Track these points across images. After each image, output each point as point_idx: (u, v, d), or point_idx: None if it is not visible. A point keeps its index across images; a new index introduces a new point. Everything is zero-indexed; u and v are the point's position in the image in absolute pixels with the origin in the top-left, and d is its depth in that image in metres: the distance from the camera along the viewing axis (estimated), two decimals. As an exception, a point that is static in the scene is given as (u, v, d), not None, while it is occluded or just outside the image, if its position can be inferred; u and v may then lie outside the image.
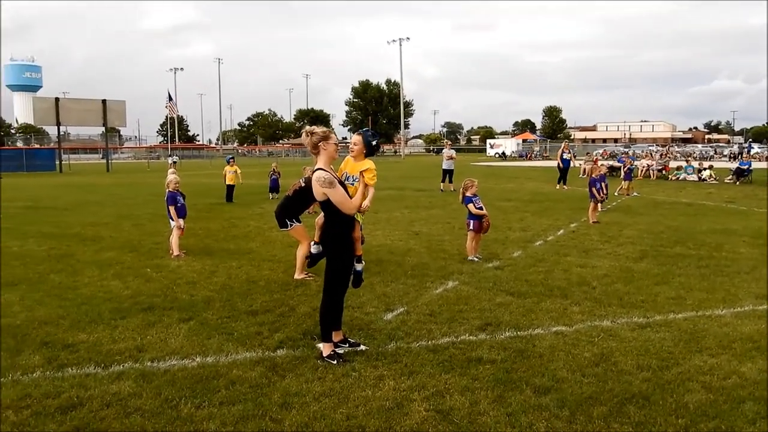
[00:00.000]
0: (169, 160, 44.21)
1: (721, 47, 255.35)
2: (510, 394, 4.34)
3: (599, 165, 16.13)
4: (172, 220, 9.65)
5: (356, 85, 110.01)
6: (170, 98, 59.62)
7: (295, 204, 7.92)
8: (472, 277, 7.99)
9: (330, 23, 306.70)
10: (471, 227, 9.12)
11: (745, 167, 27.29)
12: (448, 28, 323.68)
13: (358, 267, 5.47)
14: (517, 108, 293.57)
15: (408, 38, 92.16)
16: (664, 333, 5.71)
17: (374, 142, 5.84)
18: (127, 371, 4.75)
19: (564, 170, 23.55)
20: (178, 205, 9.71)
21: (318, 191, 4.90)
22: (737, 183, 26.02)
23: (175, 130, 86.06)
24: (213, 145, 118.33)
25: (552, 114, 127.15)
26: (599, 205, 13.71)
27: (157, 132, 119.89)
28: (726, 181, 26.71)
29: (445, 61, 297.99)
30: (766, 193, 20.03)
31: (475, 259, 9.00)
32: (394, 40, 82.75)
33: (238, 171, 19.52)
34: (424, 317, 6.20)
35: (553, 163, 27.95)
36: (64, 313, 6.35)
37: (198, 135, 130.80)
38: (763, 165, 37.91)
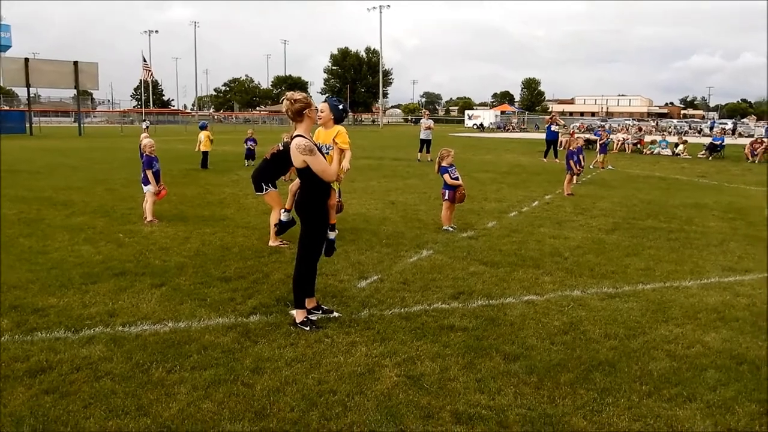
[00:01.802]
0: (143, 125, 43.43)
1: (707, 26, 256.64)
2: (480, 361, 4.41)
3: (576, 137, 16.15)
4: (147, 185, 9.51)
5: (335, 52, 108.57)
6: (145, 61, 58.31)
7: (272, 168, 7.85)
8: (447, 246, 8.04)
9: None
10: (446, 197, 9.14)
11: (718, 143, 27.68)
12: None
13: (331, 235, 5.45)
14: (499, 81, 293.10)
15: (388, 6, 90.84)
16: (633, 303, 5.82)
17: (340, 107, 5.78)
18: (98, 336, 4.72)
19: (550, 142, 23.22)
20: (154, 169, 9.56)
21: (297, 158, 4.82)
22: (710, 158, 26.41)
23: (150, 95, 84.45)
24: (188, 110, 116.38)
25: (531, 86, 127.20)
26: (575, 177, 13.83)
27: (131, 96, 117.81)
28: (699, 156, 27.08)
29: (428, 31, 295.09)
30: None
31: (450, 229, 9.04)
32: (374, 7, 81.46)
33: (212, 137, 19.19)
34: (397, 285, 6.23)
35: (531, 135, 28.02)
36: (33, 277, 6.26)
37: (173, 100, 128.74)
38: (736, 141, 38.48)
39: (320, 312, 5.28)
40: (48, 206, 10.83)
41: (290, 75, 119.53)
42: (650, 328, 5.18)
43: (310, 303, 5.22)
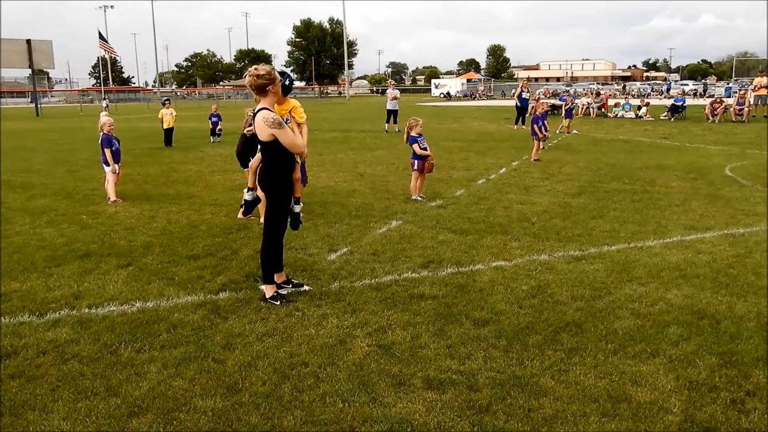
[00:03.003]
0: (103, 104, 42.34)
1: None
2: (450, 327, 4.47)
3: (541, 103, 16.20)
4: (107, 164, 9.31)
5: (298, 24, 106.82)
6: (101, 38, 56.52)
7: (255, 142, 7.71)
8: (416, 216, 8.07)
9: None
10: (415, 167, 9.13)
11: (680, 104, 28.10)
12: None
13: (297, 209, 5.42)
14: (464, 49, 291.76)
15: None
16: (598, 264, 5.93)
17: (286, 82, 5.70)
18: (64, 318, 4.65)
19: (522, 110, 22.96)
20: (113, 148, 9.36)
21: (265, 132, 4.70)
22: (672, 119, 26.83)
23: (108, 72, 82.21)
24: (149, 87, 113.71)
25: (496, 53, 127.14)
26: (541, 143, 13.89)
27: (89, 74, 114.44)
28: (661, 117, 27.48)
29: (392, 1, 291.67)
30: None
31: (419, 198, 9.07)
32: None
33: (174, 113, 18.82)
34: (367, 257, 6.25)
35: (497, 103, 28.04)
36: (-6, 262, 6.12)
37: (133, 77, 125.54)
38: (698, 102, 39.12)
39: (290, 286, 5.27)
40: (6, 189, 10.54)
41: (253, 48, 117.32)
42: (615, 288, 5.29)
43: (279, 278, 5.21)
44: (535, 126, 13.64)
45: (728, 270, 5.73)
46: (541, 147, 13.96)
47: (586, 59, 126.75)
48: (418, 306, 4.89)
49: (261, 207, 7.63)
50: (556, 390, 3.59)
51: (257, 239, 6.89)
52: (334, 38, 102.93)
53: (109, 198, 9.20)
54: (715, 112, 25.82)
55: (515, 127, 22.82)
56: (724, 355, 3.99)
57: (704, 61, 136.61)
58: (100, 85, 75.94)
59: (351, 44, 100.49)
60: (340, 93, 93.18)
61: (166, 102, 19.17)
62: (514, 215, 8.08)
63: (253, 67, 4.86)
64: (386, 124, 22.50)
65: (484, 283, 5.45)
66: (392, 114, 22.43)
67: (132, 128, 25.52)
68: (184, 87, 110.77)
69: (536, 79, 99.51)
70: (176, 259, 6.22)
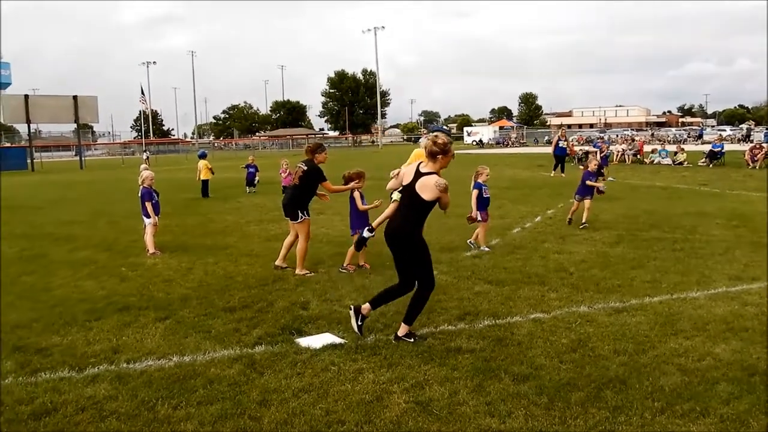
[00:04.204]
0: (143, 156, 43.63)
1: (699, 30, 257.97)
2: (489, 383, 4.36)
3: (592, 156, 13.50)
4: (147, 217, 9.52)
5: (332, 75, 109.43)
6: (143, 92, 58.77)
7: (304, 193, 7.84)
8: (451, 266, 8.01)
9: (305, 13, 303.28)
10: (479, 218, 8.95)
11: (718, 150, 27.67)
12: (425, 15, 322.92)
13: (367, 234, 6.05)
14: (496, 95, 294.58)
15: (383, 27, 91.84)
16: (640, 317, 5.77)
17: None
18: (103, 374, 4.68)
19: (560, 158, 23.15)
20: (153, 201, 9.58)
21: (433, 192, 5.09)
22: (710, 166, 26.39)
23: (149, 125, 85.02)
24: (188, 139, 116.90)
25: (528, 101, 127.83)
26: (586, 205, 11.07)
27: (131, 127, 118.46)
28: (699, 164, 27.07)
29: (422, 49, 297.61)
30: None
31: (486, 250, 8.90)
32: (368, 29, 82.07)
33: (209, 165, 19.19)
34: (403, 309, 6.11)
35: (530, 150, 28.04)
36: (36, 315, 6.23)
37: (173, 129, 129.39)
38: (735, 147, 38.47)
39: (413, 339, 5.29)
40: (50, 242, 10.84)
41: (288, 99, 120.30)
42: (659, 341, 5.12)
43: (402, 331, 5.32)
44: (589, 182, 11.09)
45: (778, 323, 5.51)
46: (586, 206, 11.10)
47: (620, 105, 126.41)
48: (456, 360, 4.80)
49: (299, 254, 7.72)
50: (602, 452, 3.45)
51: (293, 291, 6.93)
52: (367, 88, 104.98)
53: (148, 250, 9.37)
54: (756, 158, 25.33)
55: (552, 174, 22.72)
56: (779, 415, 3.79)
57: (741, 106, 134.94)
58: (141, 138, 78.51)
59: (384, 94, 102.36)
60: (373, 142, 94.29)
61: (204, 155, 19.62)
62: (551, 265, 7.96)
63: (435, 134, 5.38)
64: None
65: (522, 336, 5.33)
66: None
67: (171, 179, 26.14)
68: (222, 138, 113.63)
69: (569, 126, 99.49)
70: (213, 311, 6.26)
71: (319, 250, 9.17)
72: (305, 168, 7.75)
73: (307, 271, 7.75)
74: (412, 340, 5.24)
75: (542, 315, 5.91)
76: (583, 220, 10.77)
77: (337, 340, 5.30)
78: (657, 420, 3.79)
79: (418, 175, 5.19)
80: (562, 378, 4.43)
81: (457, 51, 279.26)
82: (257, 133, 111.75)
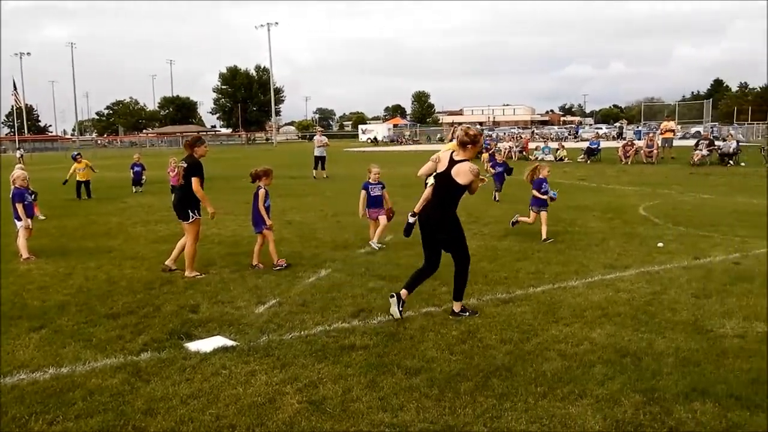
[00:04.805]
0: (17, 154, 40.54)
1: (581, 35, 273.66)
2: (382, 378, 4.41)
3: (543, 165, 10.89)
4: (19, 220, 8.85)
5: (224, 71, 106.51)
6: (15, 86, 54.52)
7: (189, 192, 7.48)
8: (345, 263, 8.03)
9: (196, 6, 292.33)
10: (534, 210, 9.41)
11: (595, 147, 29.55)
12: (320, 13, 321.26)
13: (411, 219, 6.34)
14: (390, 93, 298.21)
15: (276, 23, 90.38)
16: (525, 306, 6.05)
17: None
18: (-33, 391, 4.30)
19: None
20: (26, 203, 8.92)
21: (468, 177, 5.63)
22: (588, 161, 28.13)
23: (23, 121, 79.02)
24: (68, 136, 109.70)
25: (421, 99, 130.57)
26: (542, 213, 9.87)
27: (2, 123, 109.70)
28: (578, 160, 28.77)
29: (317, 46, 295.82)
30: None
31: (377, 247, 8.92)
32: (262, 25, 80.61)
33: (89, 163, 18.01)
34: (296, 308, 6.14)
35: (423, 147, 28.59)
36: None
37: (51, 126, 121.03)
38: (610, 144, 41.18)
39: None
40: None
41: (178, 95, 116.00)
42: (542, 329, 5.40)
43: (457, 307, 5.88)
44: (537, 192, 9.90)
45: (646, 307, 5.97)
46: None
47: (507, 104, 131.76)
48: (349, 357, 4.82)
49: (188, 256, 7.46)
50: (489, 438, 3.58)
51: (181, 294, 6.69)
52: (260, 85, 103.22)
53: (21, 255, 8.70)
54: (628, 155, 27.25)
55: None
56: (647, 392, 4.10)
57: (615, 106, 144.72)
58: (15, 134, 72.82)
59: (278, 91, 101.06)
60: (267, 139, 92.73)
61: (78, 156, 18.24)
62: (443, 260, 8.13)
63: (467, 126, 6.06)
64: (314, 171, 22.51)
65: (414, 330, 5.44)
66: (320, 160, 22.49)
67: (49, 178, 24.43)
68: (106, 135, 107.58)
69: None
70: (94, 318, 5.91)
71: (210, 251, 8.90)
72: (185, 165, 7.49)
73: (198, 273, 7.50)
74: (467, 314, 5.79)
75: (434, 309, 6.06)
76: (544, 236, 9.37)
77: (229, 342, 5.17)
78: (540, 404, 3.98)
79: (452, 162, 5.72)
80: (452, 369, 4.56)
81: (352, 49, 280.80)
82: (144, 130, 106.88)
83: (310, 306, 6.18)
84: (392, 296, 5.80)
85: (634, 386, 4.21)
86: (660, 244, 8.82)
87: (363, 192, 9.13)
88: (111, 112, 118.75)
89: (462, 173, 5.65)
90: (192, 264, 7.50)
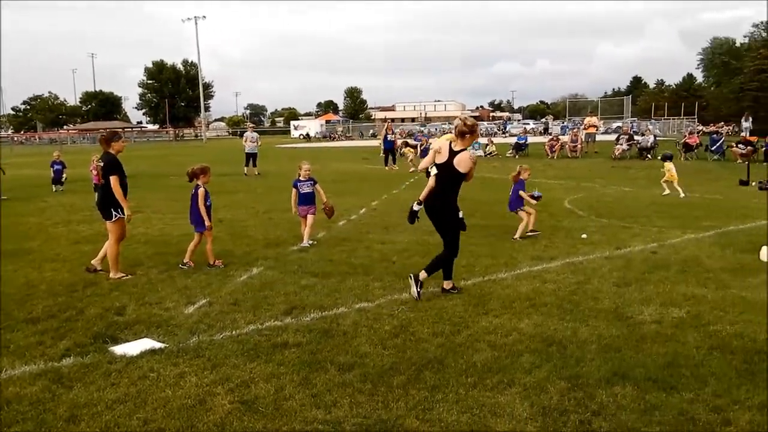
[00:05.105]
0: None
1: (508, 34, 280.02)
2: (315, 375, 4.40)
3: (525, 168, 10.15)
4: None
5: (150, 65, 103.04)
6: None
7: (110, 190, 7.19)
8: (278, 261, 7.95)
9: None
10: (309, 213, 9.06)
11: (522, 142, 30.37)
12: (252, 7, 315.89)
13: (416, 207, 6.63)
14: (322, 89, 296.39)
15: (204, 17, 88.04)
16: (456, 299, 6.17)
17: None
18: None
19: (389, 151, 24.12)
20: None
21: (468, 165, 6.15)
22: (516, 156, 28.87)
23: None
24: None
25: (353, 95, 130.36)
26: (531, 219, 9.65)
27: None
28: (507, 155, 29.49)
29: (247, 40, 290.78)
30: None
31: (307, 244, 8.89)
32: (189, 18, 78.24)
33: None
34: (227, 307, 6.04)
35: (356, 143, 28.70)
36: None
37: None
38: (538, 139, 42.41)
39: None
40: None
41: (101, 90, 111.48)
42: (473, 321, 5.52)
43: (447, 285, 6.44)
44: (524, 193, 9.61)
45: (571, 297, 6.19)
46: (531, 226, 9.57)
47: (438, 100, 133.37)
48: (282, 355, 4.78)
49: (111, 257, 7.20)
50: (421, 430, 3.64)
51: (106, 296, 6.47)
52: (189, 80, 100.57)
53: (-71, 259, 8.18)
54: (554, 149, 28.14)
55: (387, 168, 23.36)
56: (571, 379, 4.26)
57: (542, 102, 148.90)
58: None
59: (207, 86, 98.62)
60: (196, 136, 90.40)
61: None
62: (376, 255, 8.22)
63: (465, 116, 6.51)
64: (245, 168, 22.14)
65: (348, 326, 5.45)
66: (251, 157, 22.14)
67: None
68: (23, 132, 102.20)
69: (392, 120, 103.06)
70: (11, 324, 5.62)
71: (136, 251, 8.63)
72: (102, 163, 7.22)
73: (123, 274, 7.26)
74: (456, 291, 6.40)
75: (367, 304, 6.08)
76: (518, 235, 9.23)
77: (157, 344, 5.03)
78: (470, 394, 4.08)
79: (452, 153, 6.17)
80: (385, 363, 4.60)
81: (284, 44, 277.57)
82: (65, 126, 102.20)
83: (242, 305, 6.10)
84: (410, 277, 6.30)
85: (559, 373, 4.36)
86: (584, 236, 9.17)
87: (294, 189, 9.06)
88: (28, 107, 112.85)
89: (463, 162, 6.14)
90: (116, 265, 7.25)
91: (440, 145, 6.41)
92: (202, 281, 7.02)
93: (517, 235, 9.23)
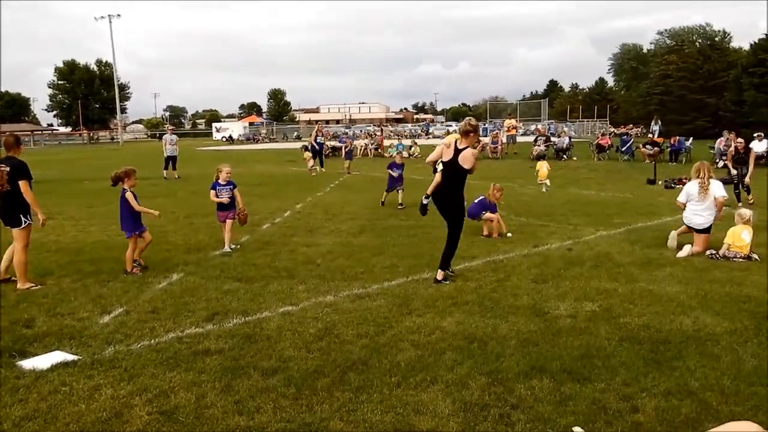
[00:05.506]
0: None
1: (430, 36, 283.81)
2: (238, 382, 4.33)
3: (496, 188, 10.37)
4: None
5: (61, 65, 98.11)
6: None
7: (21, 195, 6.79)
8: (199, 266, 7.77)
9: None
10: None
11: (446, 144, 30.93)
12: (170, 6, 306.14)
13: (425, 200, 7.07)
14: (245, 90, 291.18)
15: (119, 15, 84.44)
16: (381, 300, 6.22)
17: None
18: None
19: (318, 152, 23.70)
20: None
21: (471, 161, 6.70)
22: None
23: None
24: None
25: (277, 96, 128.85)
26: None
27: None
28: (431, 156, 29.93)
29: (167, 41, 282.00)
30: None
31: (229, 249, 8.71)
32: (102, 17, 74.95)
33: None
34: (146, 315, 5.85)
35: (280, 146, 28.39)
36: None
37: None
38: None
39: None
40: None
41: (7, 91, 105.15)
42: (396, 321, 5.57)
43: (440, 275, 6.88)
44: (488, 213, 9.78)
45: (492, 294, 6.36)
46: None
47: (363, 102, 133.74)
48: (203, 363, 4.68)
49: (18, 267, 6.83)
50: (345, 431, 3.65)
51: (14, 308, 6.16)
52: (103, 80, 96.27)
53: None
54: (475, 150, 28.78)
55: (319, 169, 22.80)
56: (491, 374, 4.39)
57: (464, 104, 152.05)
58: None
59: (123, 87, 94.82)
60: (112, 138, 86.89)
61: None
62: (300, 258, 8.16)
63: (469, 118, 7.17)
64: (165, 171, 21.47)
65: (271, 330, 5.39)
66: (171, 160, 21.49)
67: None
68: None
69: (317, 122, 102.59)
70: None
71: (47, 260, 8.21)
72: (8, 169, 6.83)
73: (33, 284, 6.90)
74: (448, 281, 6.83)
75: (291, 308, 6.04)
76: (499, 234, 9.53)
77: (69, 357, 4.81)
78: (394, 393, 4.12)
79: (457, 150, 6.73)
80: (310, 367, 4.58)
81: (204, 44, 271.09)
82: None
83: (161, 312, 5.92)
84: (440, 281, 6.82)
85: (480, 369, 4.48)
86: (509, 234, 9.44)
87: (212, 192, 8.86)
88: None
89: (466, 159, 6.69)
90: (24, 274, 6.88)
91: (450, 142, 6.96)
92: (118, 289, 6.77)
93: (495, 234, 9.54)
